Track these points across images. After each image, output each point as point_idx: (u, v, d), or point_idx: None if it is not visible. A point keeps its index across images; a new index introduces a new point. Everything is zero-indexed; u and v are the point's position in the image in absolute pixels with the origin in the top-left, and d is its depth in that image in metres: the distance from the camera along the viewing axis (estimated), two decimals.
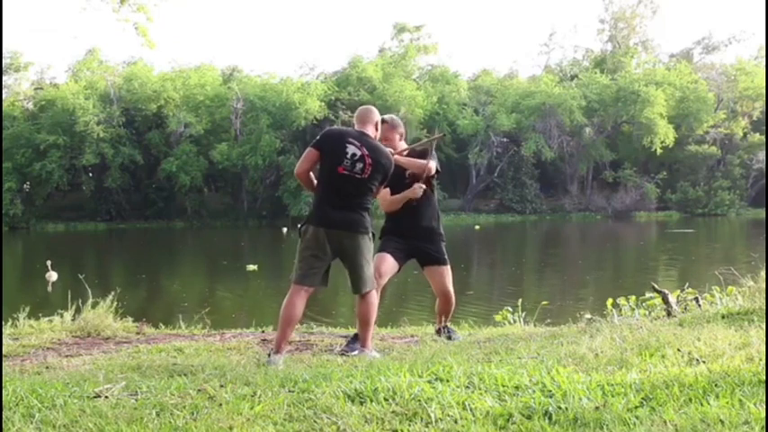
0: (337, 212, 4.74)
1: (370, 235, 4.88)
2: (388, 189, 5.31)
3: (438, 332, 5.70)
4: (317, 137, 4.91)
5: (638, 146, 49.18)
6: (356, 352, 5.13)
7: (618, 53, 54.78)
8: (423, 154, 5.47)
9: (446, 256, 5.51)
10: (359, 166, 4.68)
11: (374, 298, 4.90)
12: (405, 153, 5.37)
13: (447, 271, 5.51)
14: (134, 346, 5.57)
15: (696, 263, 21.04)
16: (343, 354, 5.06)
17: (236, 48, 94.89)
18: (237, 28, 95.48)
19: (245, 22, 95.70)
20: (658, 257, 23.55)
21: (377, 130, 4.95)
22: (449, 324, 5.77)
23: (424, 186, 5.31)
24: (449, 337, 5.57)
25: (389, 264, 5.37)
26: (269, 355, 4.74)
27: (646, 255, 25.36)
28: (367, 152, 4.72)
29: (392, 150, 5.14)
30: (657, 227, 41.84)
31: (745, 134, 52.93)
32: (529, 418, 2.90)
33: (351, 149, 4.70)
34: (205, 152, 44.61)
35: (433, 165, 5.39)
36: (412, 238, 5.45)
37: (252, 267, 19.05)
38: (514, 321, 6.98)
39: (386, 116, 5.42)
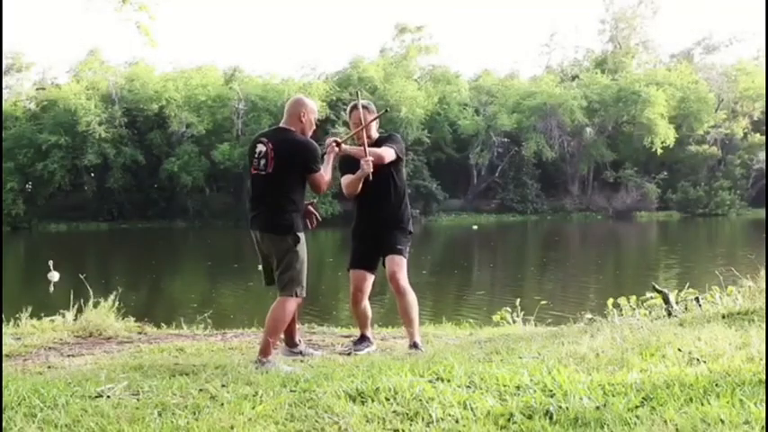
0: (253, 213, 4.76)
1: (293, 237, 4.59)
2: (348, 174, 5.13)
3: (411, 347, 5.11)
4: None
5: (639, 146, 49.13)
6: (366, 350, 5.15)
7: (619, 53, 54.73)
8: (385, 140, 5.21)
9: (403, 248, 5.15)
10: (263, 162, 4.62)
11: (288, 305, 4.59)
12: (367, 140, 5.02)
13: (398, 259, 5.10)
14: (136, 346, 5.58)
15: (696, 263, 21.02)
16: (356, 352, 5.08)
17: (237, 48, 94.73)
18: (239, 28, 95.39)
19: (247, 23, 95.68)
20: (659, 257, 23.54)
21: (301, 120, 4.73)
22: (417, 340, 5.16)
23: (370, 159, 4.91)
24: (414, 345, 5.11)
25: (365, 278, 5.21)
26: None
27: (646, 255, 25.36)
28: (272, 146, 4.61)
29: (337, 140, 4.95)
30: (658, 227, 41.83)
31: (745, 134, 52.87)
32: (530, 417, 2.90)
33: (258, 147, 4.70)
34: (207, 152, 44.59)
35: (387, 152, 5.04)
36: (378, 234, 5.17)
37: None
38: (514, 321, 6.99)
39: (363, 101, 5.29)
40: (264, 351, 4.51)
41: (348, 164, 5.13)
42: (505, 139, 48.29)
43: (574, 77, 53.79)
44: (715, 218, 47.15)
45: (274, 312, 4.58)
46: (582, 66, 56.47)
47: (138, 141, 44.61)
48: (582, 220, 47.34)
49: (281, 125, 4.79)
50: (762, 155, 49.95)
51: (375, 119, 5.23)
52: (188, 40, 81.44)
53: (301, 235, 4.64)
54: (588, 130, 49.95)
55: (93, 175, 44.78)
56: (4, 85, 45.18)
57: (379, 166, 5.02)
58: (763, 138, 50.03)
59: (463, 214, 47.58)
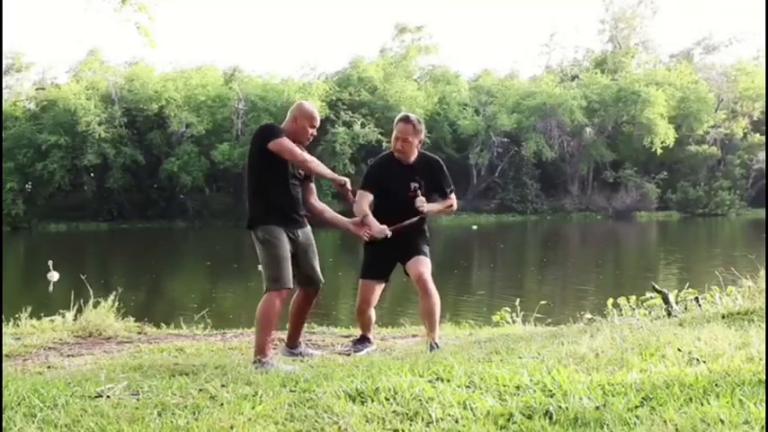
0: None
1: (259, 234, 4.64)
2: (362, 202, 4.95)
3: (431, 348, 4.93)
4: None
5: (639, 146, 49.14)
6: (366, 350, 5.15)
7: (618, 53, 54.74)
8: (438, 169, 5.14)
9: (427, 252, 5.10)
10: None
11: (272, 300, 4.54)
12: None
13: (425, 260, 5.04)
14: (136, 346, 5.58)
15: (696, 263, 21.03)
16: (356, 352, 5.08)
17: (237, 48, 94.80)
18: (239, 28, 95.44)
19: (247, 23, 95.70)
20: (658, 257, 23.54)
21: (295, 122, 4.76)
22: (438, 341, 5.05)
23: (389, 234, 4.79)
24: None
25: (375, 291, 5.16)
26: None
27: (646, 255, 25.36)
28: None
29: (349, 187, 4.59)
30: (658, 227, 41.84)
31: (745, 134, 52.89)
32: (529, 417, 2.90)
33: None
34: (206, 152, 44.59)
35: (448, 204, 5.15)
36: (398, 245, 4.97)
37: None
38: (514, 321, 6.99)
39: (410, 115, 5.10)
40: (260, 350, 4.48)
41: (377, 179, 5.05)
42: (505, 139, 48.29)
43: (573, 77, 53.79)
44: (715, 218, 47.17)
45: (260, 307, 4.59)
46: (582, 66, 56.49)
47: (137, 141, 44.61)
48: (582, 220, 47.35)
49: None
50: (761, 155, 49.96)
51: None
52: (188, 40, 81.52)
53: (271, 228, 4.60)
54: (588, 130, 49.96)
55: (92, 175, 44.78)
56: (3, 85, 45.16)
57: (410, 180, 4.97)
58: (763, 138, 50.04)
59: (463, 214, 47.55)
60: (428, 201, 5.05)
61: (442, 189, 5.19)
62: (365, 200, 4.97)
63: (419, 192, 4.99)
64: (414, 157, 5.09)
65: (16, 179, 41.38)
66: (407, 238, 5.01)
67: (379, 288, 5.18)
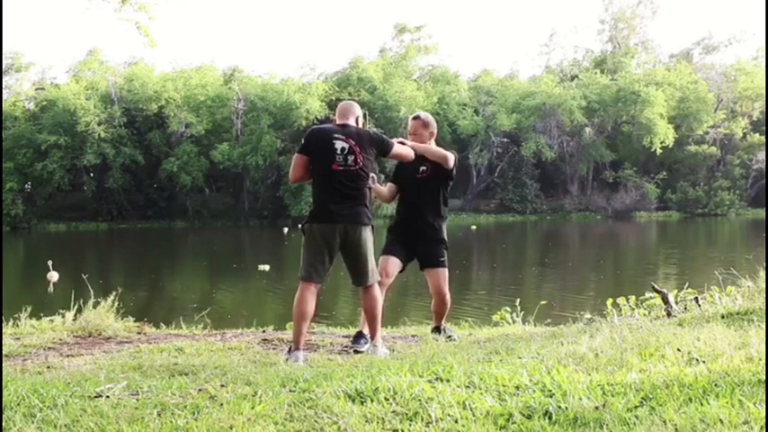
0: (340, 207, 4.83)
1: (372, 227, 4.92)
2: (385, 186, 5.52)
3: (434, 330, 5.73)
4: (302, 141, 4.99)
5: (639, 146, 49.18)
6: (366, 347, 5.15)
7: (618, 53, 54.77)
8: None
9: (445, 260, 5.58)
10: (350, 158, 4.81)
11: (377, 291, 4.95)
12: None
13: (444, 273, 5.58)
14: (135, 346, 5.57)
15: (695, 263, 21.04)
16: (356, 351, 5.08)
17: (236, 48, 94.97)
18: (238, 28, 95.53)
19: (246, 23, 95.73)
20: (658, 257, 23.55)
21: (357, 123, 5.01)
22: (447, 325, 5.85)
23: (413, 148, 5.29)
24: (449, 337, 5.58)
25: (395, 264, 5.49)
26: (288, 351, 4.85)
27: (645, 255, 25.37)
28: (354, 142, 4.84)
29: (402, 140, 5.32)
30: (657, 227, 41.85)
31: (744, 134, 52.91)
32: (529, 417, 2.90)
33: (339, 144, 4.82)
34: (206, 152, 44.61)
35: (451, 158, 5.42)
36: (415, 239, 5.53)
37: (263, 267, 18.92)
38: (513, 321, 6.99)
39: (420, 113, 5.72)
40: (374, 335, 5.08)
41: (397, 173, 5.64)
42: (505, 139, 48.33)
43: (573, 77, 53.83)
44: (714, 218, 47.20)
45: (370, 301, 4.94)
46: (581, 66, 56.53)
47: (137, 141, 44.61)
48: (581, 221, 47.36)
49: (342, 122, 4.98)
50: (761, 155, 50.00)
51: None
52: (187, 40, 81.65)
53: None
54: (587, 130, 49.99)
55: (92, 175, 44.79)
56: (3, 85, 45.16)
57: (433, 178, 5.45)
58: (763, 138, 50.08)
59: (462, 214, 47.60)
60: (434, 183, 5.50)
61: (447, 171, 5.54)
62: (386, 186, 5.63)
63: (426, 173, 5.47)
64: None
65: (16, 179, 41.40)
66: (426, 238, 5.53)
67: (397, 264, 5.50)
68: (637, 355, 3.84)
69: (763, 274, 5.95)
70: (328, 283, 5.03)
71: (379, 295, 4.95)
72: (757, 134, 51.92)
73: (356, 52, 59.23)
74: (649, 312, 6.16)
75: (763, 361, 3.52)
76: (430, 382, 3.37)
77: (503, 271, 20.76)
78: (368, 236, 4.88)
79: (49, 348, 5.63)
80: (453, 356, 4.04)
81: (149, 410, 3.08)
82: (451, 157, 5.44)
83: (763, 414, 2.77)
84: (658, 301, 6.24)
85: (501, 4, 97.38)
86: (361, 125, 5.04)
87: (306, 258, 4.87)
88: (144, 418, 2.98)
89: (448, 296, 5.66)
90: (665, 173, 50.16)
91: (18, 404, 3.17)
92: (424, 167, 5.45)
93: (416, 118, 5.61)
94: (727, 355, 3.77)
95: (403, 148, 5.13)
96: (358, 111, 5.08)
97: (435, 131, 5.60)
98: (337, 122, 4.99)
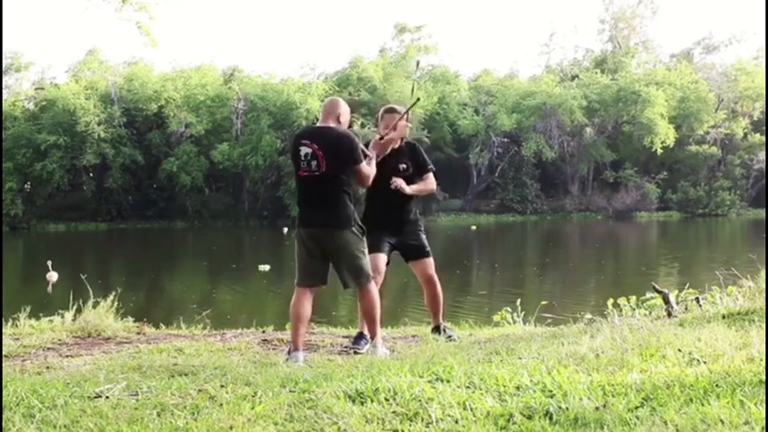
0: (313, 212, 4.85)
1: (355, 227, 4.81)
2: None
3: (434, 330, 5.68)
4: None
5: (639, 146, 49.14)
6: (366, 348, 5.15)
7: (618, 53, 54.73)
8: (417, 154, 5.56)
9: (429, 248, 5.59)
10: (313, 163, 4.74)
11: (374, 292, 4.90)
12: (387, 134, 5.29)
13: (431, 261, 5.60)
14: (135, 347, 5.57)
15: (696, 263, 21.03)
16: (356, 352, 5.07)
17: (236, 48, 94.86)
18: (238, 28, 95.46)
19: (246, 23, 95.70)
20: (659, 257, 23.54)
21: (339, 121, 4.89)
22: (446, 324, 5.82)
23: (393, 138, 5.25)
24: (449, 338, 5.56)
25: (382, 259, 5.42)
26: (288, 352, 4.86)
27: (646, 255, 25.36)
28: (317, 146, 4.73)
29: (379, 136, 5.24)
30: (658, 227, 41.84)
31: (745, 134, 52.88)
32: (529, 418, 2.90)
33: (303, 150, 4.79)
34: (206, 152, 44.58)
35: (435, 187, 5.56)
36: (395, 231, 5.49)
37: (263, 268, 18.91)
38: (514, 322, 6.98)
39: (393, 105, 5.64)
40: (373, 336, 5.07)
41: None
42: (505, 139, 48.29)
43: (573, 77, 53.79)
44: (715, 218, 47.18)
45: (366, 302, 4.91)
46: (581, 65, 56.48)
47: (137, 141, 44.59)
48: (582, 221, 47.35)
49: (322, 123, 4.92)
50: (762, 155, 49.98)
51: (406, 112, 5.41)
52: (187, 39, 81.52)
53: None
54: (588, 130, 49.97)
55: (91, 175, 44.75)
56: (3, 85, 45.15)
57: (413, 174, 5.43)
58: (763, 138, 50.05)
59: (463, 214, 47.60)
60: (413, 179, 5.47)
61: (424, 168, 5.57)
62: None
63: (406, 172, 5.44)
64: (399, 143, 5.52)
65: (15, 179, 41.35)
66: (410, 233, 5.53)
67: (383, 259, 5.42)
68: (637, 356, 3.83)
69: (763, 273, 5.94)
70: (328, 284, 5.02)
71: (375, 296, 4.91)
72: (758, 134, 51.88)
73: (356, 52, 59.11)
74: (650, 313, 6.16)
75: (764, 361, 3.52)
76: (430, 382, 3.37)
77: (503, 271, 20.75)
78: (348, 239, 4.78)
79: (49, 349, 5.63)
80: (453, 357, 4.04)
81: (149, 411, 3.07)
82: (435, 185, 5.57)
83: (764, 414, 2.77)
84: (659, 301, 6.24)
85: (501, 4, 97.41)
86: (344, 122, 4.90)
87: (297, 263, 4.94)
88: (143, 419, 2.97)
89: (439, 285, 5.63)
90: (665, 173, 50.12)
91: (17, 404, 3.17)
92: (403, 165, 5.42)
93: (391, 110, 5.44)
94: (728, 355, 3.76)
95: (365, 170, 4.85)
96: (341, 109, 4.92)
97: (410, 116, 5.48)
98: (319, 124, 4.96)
